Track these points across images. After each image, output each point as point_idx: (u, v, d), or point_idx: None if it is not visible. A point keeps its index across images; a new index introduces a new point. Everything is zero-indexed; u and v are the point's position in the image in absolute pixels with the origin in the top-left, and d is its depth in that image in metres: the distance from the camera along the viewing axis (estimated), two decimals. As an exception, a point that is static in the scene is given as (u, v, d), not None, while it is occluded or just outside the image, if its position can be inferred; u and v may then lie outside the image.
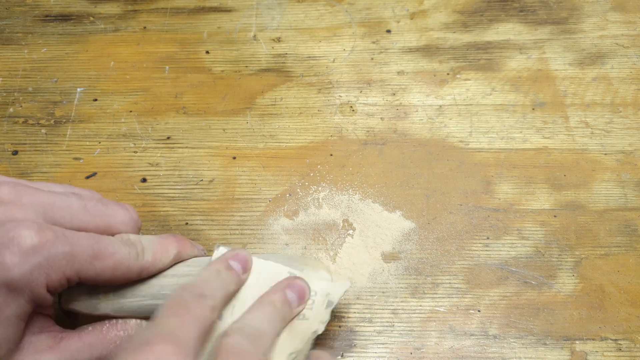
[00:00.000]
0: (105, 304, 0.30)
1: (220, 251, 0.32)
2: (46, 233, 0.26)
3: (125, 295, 0.30)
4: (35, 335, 0.27)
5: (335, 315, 0.36)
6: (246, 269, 0.30)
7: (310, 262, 0.34)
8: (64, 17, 0.50)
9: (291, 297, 0.30)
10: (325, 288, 0.32)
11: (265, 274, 0.31)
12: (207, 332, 0.26)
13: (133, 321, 0.31)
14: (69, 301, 0.30)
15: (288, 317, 0.29)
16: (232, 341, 0.25)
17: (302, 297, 0.30)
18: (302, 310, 0.30)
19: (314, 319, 0.31)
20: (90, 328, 0.29)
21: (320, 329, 0.30)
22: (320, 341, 0.35)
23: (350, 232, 0.39)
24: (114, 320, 0.30)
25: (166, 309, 0.25)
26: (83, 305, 0.30)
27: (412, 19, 0.50)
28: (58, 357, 0.27)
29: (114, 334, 0.29)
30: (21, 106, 0.45)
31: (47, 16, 0.51)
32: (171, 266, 0.32)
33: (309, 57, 0.48)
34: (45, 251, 0.26)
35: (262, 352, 0.26)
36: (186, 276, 0.31)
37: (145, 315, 0.30)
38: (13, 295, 0.25)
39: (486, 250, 0.38)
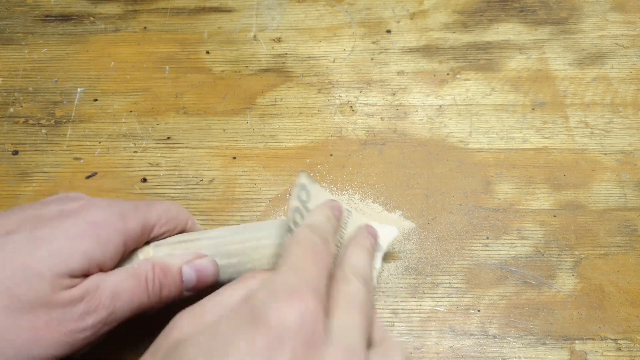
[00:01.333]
0: (144, 251, 0.32)
1: (302, 178, 0.32)
2: (110, 199, 0.31)
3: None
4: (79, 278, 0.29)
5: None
6: (341, 217, 0.33)
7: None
8: (65, 17, 0.50)
9: (373, 242, 0.33)
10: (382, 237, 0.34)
11: (355, 219, 0.34)
12: (329, 277, 0.27)
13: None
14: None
15: (372, 260, 0.32)
16: (352, 289, 0.26)
17: (377, 242, 0.34)
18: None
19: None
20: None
21: (375, 278, 0.32)
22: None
23: (350, 232, 0.39)
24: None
25: (300, 249, 0.27)
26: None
27: (412, 19, 0.50)
28: (88, 280, 0.28)
29: (131, 264, 0.31)
30: (21, 106, 0.45)
31: (47, 16, 0.51)
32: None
33: (309, 57, 0.48)
34: (117, 204, 0.30)
35: (372, 294, 0.28)
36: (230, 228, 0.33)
37: None
38: (92, 233, 0.28)
39: (486, 250, 0.38)
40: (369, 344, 0.26)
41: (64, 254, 0.27)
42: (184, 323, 0.24)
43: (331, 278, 0.27)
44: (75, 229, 0.28)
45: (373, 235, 0.33)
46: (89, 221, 0.28)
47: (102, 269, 0.29)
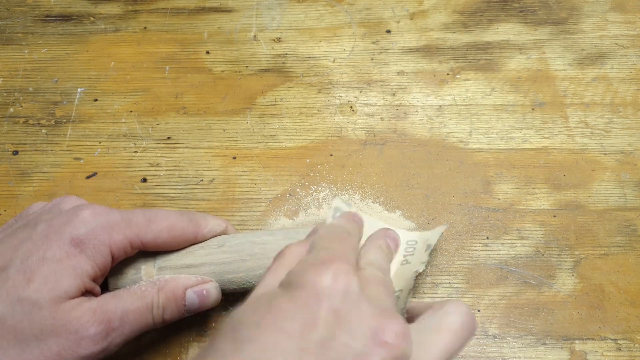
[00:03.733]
0: (148, 273, 0.32)
1: (336, 201, 0.36)
2: (101, 207, 0.31)
3: (169, 259, 0.32)
4: (81, 297, 0.29)
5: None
6: (362, 225, 0.35)
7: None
8: (65, 18, 0.50)
9: (391, 245, 0.34)
10: (423, 236, 0.36)
11: (371, 225, 0.36)
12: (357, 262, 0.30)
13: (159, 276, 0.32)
14: (116, 274, 0.32)
15: (389, 259, 0.33)
16: (370, 272, 0.29)
17: (396, 244, 0.35)
18: (395, 255, 0.35)
19: (416, 262, 0.34)
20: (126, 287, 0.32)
21: (421, 268, 0.33)
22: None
23: (350, 232, 0.39)
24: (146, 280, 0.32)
25: (326, 239, 0.29)
26: (128, 276, 0.32)
27: (412, 19, 0.50)
28: (95, 304, 0.29)
29: (138, 286, 0.31)
30: (22, 106, 0.45)
31: (47, 16, 0.51)
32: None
33: (309, 57, 0.48)
34: (105, 216, 0.30)
35: (391, 283, 0.30)
36: (235, 252, 0.33)
37: None
38: (76, 249, 0.29)
39: (486, 250, 0.38)
40: None
41: (55, 279, 0.28)
42: (237, 310, 0.26)
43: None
44: (61, 250, 0.28)
45: (391, 237, 0.35)
46: (73, 238, 0.29)
47: (96, 281, 0.30)
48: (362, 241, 0.34)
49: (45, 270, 0.28)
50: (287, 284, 0.25)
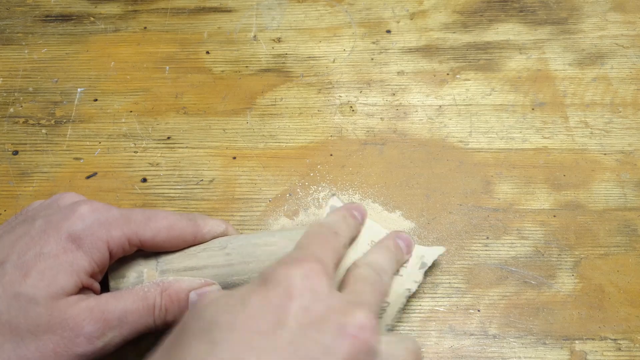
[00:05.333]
0: (150, 276, 0.32)
1: (333, 200, 0.35)
2: (100, 204, 0.31)
3: (172, 262, 0.32)
4: (80, 295, 0.29)
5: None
6: (364, 219, 0.35)
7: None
8: (65, 18, 0.50)
9: (401, 244, 0.34)
10: (419, 250, 0.35)
11: (369, 229, 0.35)
12: (338, 262, 0.30)
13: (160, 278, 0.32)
14: (117, 278, 0.32)
15: (400, 260, 0.34)
16: (362, 271, 0.29)
17: (409, 246, 0.34)
18: (409, 258, 0.34)
19: (408, 277, 0.34)
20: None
21: (413, 287, 0.33)
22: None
23: (350, 232, 0.39)
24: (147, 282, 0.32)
25: (308, 238, 0.30)
26: (130, 279, 0.32)
27: (412, 19, 0.50)
28: (93, 303, 0.29)
29: (140, 287, 0.31)
30: (22, 106, 0.45)
31: (47, 16, 0.51)
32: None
33: (309, 57, 0.48)
34: (103, 212, 0.30)
35: (386, 284, 0.30)
36: (238, 255, 0.33)
37: None
38: (73, 245, 0.29)
39: (486, 250, 0.38)
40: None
41: (52, 275, 0.28)
42: (208, 306, 0.26)
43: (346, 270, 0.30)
44: (58, 246, 0.28)
45: (403, 238, 0.34)
46: (70, 233, 0.29)
47: (94, 277, 0.30)
48: (366, 239, 0.34)
49: (41, 266, 0.28)
50: (261, 282, 0.26)
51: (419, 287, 0.34)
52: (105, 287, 0.31)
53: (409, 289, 0.33)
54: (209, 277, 0.32)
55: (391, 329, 0.32)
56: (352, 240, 0.33)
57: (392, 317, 0.31)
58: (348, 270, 0.30)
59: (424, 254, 0.35)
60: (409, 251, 0.34)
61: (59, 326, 0.27)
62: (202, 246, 0.33)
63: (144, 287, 0.31)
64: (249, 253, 0.33)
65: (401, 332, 0.35)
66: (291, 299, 0.24)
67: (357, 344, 0.24)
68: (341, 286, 0.29)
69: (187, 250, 0.33)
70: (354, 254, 0.33)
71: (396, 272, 0.33)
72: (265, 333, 0.23)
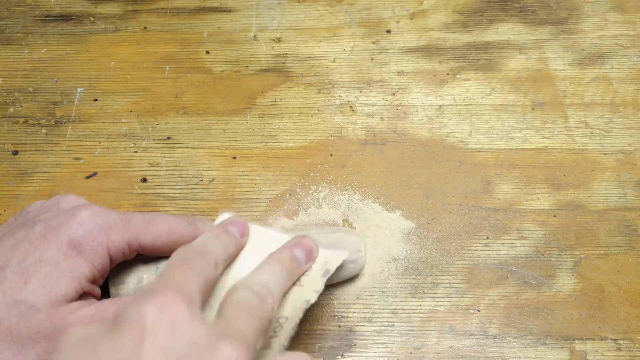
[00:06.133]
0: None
1: (223, 216, 0.32)
2: (100, 208, 0.30)
3: None
4: (81, 301, 0.29)
5: (335, 315, 0.36)
6: (244, 233, 0.31)
7: (348, 230, 0.36)
8: (65, 17, 0.50)
9: (299, 255, 0.30)
10: (323, 255, 0.31)
11: (267, 240, 0.32)
12: (210, 285, 0.27)
13: None
14: (117, 284, 0.32)
15: (296, 273, 0.30)
16: (241, 295, 0.26)
17: (310, 254, 0.31)
18: (310, 266, 0.31)
19: (309, 287, 0.30)
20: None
21: (313, 298, 0.30)
22: (319, 341, 0.35)
23: (350, 232, 0.39)
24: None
25: (170, 265, 0.26)
26: (130, 286, 0.31)
27: (412, 19, 0.50)
28: (93, 311, 0.28)
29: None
30: (21, 106, 0.45)
31: (47, 16, 0.51)
32: None
33: (309, 57, 0.48)
34: (103, 217, 0.30)
35: (269, 308, 0.27)
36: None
37: None
38: (73, 252, 0.28)
39: (486, 250, 0.38)
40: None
41: (52, 282, 0.27)
42: (58, 349, 0.24)
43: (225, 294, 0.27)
44: (59, 252, 0.28)
45: (303, 247, 0.31)
46: (70, 239, 0.29)
47: (95, 282, 0.30)
48: (261, 250, 0.31)
49: (42, 273, 0.27)
50: (112, 325, 0.23)
51: (319, 297, 0.30)
52: (105, 290, 0.31)
53: (308, 300, 0.29)
54: None
55: (285, 348, 0.28)
56: (232, 258, 0.30)
57: (288, 334, 0.28)
58: (226, 294, 0.27)
59: (329, 259, 0.32)
60: (309, 260, 0.31)
61: (59, 333, 0.27)
62: None
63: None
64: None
65: (400, 332, 0.35)
66: (144, 340, 0.22)
67: None
68: (217, 313, 0.26)
69: None
70: (241, 272, 0.30)
71: (297, 281, 0.30)
72: None
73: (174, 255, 0.27)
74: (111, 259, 0.30)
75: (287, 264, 0.30)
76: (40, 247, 0.28)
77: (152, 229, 0.30)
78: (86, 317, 0.28)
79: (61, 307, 0.27)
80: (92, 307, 0.28)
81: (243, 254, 0.31)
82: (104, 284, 0.31)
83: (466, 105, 0.45)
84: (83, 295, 0.29)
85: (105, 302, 0.29)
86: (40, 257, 0.28)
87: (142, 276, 0.32)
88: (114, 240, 0.29)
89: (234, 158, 0.43)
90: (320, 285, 0.30)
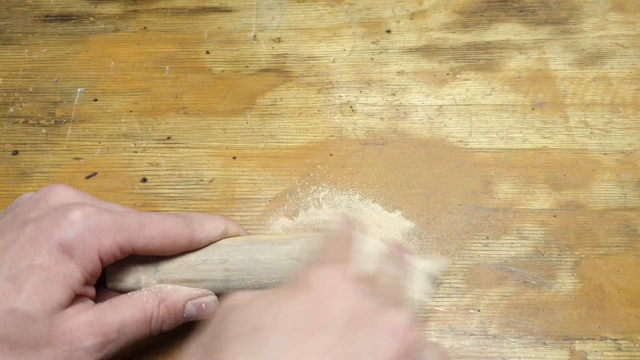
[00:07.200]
0: (148, 284, 0.32)
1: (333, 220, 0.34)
2: (92, 208, 0.29)
3: (170, 272, 0.32)
4: (77, 306, 0.29)
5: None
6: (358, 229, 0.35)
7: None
8: (65, 17, 0.50)
9: (405, 256, 0.34)
10: (421, 264, 0.34)
11: (369, 244, 0.34)
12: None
13: (160, 285, 0.32)
14: (115, 281, 0.32)
15: (405, 271, 0.33)
16: (382, 279, 0.30)
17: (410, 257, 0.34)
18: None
19: (416, 289, 0.33)
20: (121, 295, 0.31)
21: (426, 298, 0.33)
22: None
23: (350, 232, 0.39)
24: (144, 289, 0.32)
25: (322, 244, 0.30)
26: (127, 285, 0.32)
27: (412, 19, 0.50)
28: (91, 317, 0.28)
29: (139, 295, 0.31)
30: (21, 106, 0.45)
31: (47, 16, 0.51)
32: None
33: (309, 57, 0.48)
34: (94, 219, 0.29)
35: (403, 290, 0.32)
36: (237, 271, 0.33)
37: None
38: (65, 256, 0.28)
39: (486, 250, 0.38)
40: None
41: (46, 290, 0.27)
42: (237, 295, 0.26)
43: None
44: (50, 257, 0.28)
45: (406, 250, 0.34)
46: (61, 242, 0.28)
47: (88, 284, 0.29)
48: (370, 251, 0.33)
49: (35, 280, 0.27)
50: (296, 285, 0.26)
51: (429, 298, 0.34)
52: (101, 283, 0.31)
53: (420, 300, 0.33)
54: (206, 289, 0.33)
55: None
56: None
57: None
58: (369, 279, 0.30)
59: (429, 268, 0.34)
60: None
61: (58, 340, 0.27)
62: (202, 256, 0.33)
63: (142, 296, 0.30)
64: (249, 270, 0.32)
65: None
66: (334, 298, 0.24)
67: (404, 344, 0.24)
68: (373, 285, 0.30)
69: (186, 260, 0.32)
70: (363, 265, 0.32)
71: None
72: (311, 333, 0.23)
73: (329, 235, 0.31)
74: (102, 262, 0.29)
75: (403, 265, 0.33)
76: (31, 251, 0.28)
77: (145, 233, 0.30)
78: (85, 324, 0.28)
79: (57, 314, 0.27)
80: (89, 314, 0.28)
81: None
82: (100, 277, 0.31)
83: (466, 105, 0.45)
84: (77, 297, 0.29)
85: (102, 306, 0.29)
86: (32, 263, 0.27)
87: (140, 277, 0.32)
88: (105, 244, 0.29)
89: (234, 158, 0.43)
90: (429, 287, 0.34)
